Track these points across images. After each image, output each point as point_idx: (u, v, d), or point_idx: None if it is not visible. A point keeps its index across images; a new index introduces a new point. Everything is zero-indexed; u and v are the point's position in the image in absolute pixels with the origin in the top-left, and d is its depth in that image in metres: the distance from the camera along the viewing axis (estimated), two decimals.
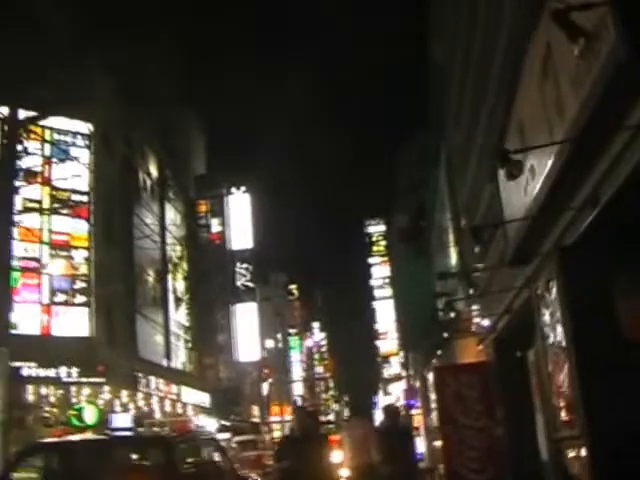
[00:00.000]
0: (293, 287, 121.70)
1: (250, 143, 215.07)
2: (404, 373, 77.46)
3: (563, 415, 9.59)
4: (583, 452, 8.73)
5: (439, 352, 33.15)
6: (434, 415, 18.17)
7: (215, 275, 58.56)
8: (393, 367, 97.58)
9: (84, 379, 35.26)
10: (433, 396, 17.78)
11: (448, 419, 17.06)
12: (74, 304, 36.84)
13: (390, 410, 15.81)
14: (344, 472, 14.01)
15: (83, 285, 37.17)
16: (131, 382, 38.92)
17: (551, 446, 12.27)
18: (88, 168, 38.18)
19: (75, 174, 35.87)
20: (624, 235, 7.89)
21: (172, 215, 52.98)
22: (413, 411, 44.71)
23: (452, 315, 25.51)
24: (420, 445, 26.02)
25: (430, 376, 18.49)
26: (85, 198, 38.10)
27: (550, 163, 7.82)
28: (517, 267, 11.44)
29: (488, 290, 15.47)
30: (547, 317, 9.69)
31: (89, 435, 16.08)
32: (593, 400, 8.38)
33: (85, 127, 38.79)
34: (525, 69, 9.00)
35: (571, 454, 9.42)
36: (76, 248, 37.47)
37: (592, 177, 7.54)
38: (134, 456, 10.74)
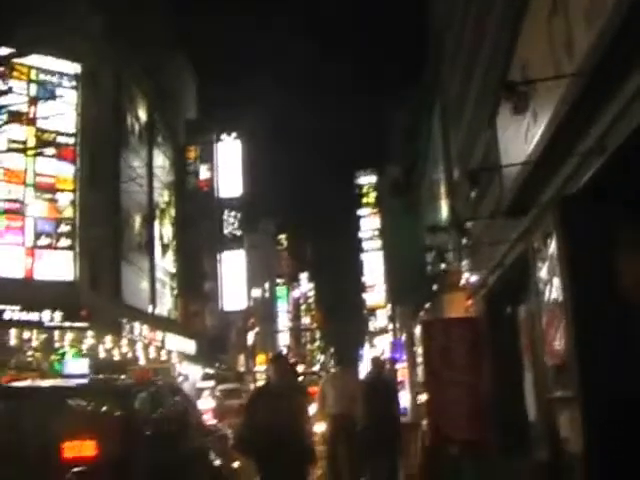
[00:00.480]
0: (282, 237, 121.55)
1: (243, 90, 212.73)
2: (390, 326, 77.36)
3: (556, 375, 9.15)
4: (576, 414, 8.30)
5: (427, 306, 32.86)
6: (419, 370, 17.71)
7: (203, 222, 57.84)
8: (379, 320, 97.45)
9: (67, 323, 34.80)
10: (419, 350, 17.30)
11: (433, 373, 16.63)
12: (58, 248, 36.25)
13: (375, 362, 16.31)
14: (318, 427, 14.11)
15: (67, 229, 36.54)
16: (115, 328, 38.48)
17: (541, 406, 11.86)
18: (75, 110, 37.56)
19: (60, 113, 35.31)
20: (632, 186, 7.39)
21: (160, 160, 52.20)
22: (398, 365, 44.53)
23: (442, 267, 25.15)
24: (404, 399, 26.31)
25: (417, 330, 18.02)
26: (71, 140, 37.40)
27: (555, 104, 7.27)
28: (513, 218, 10.92)
29: (480, 242, 14.97)
30: (543, 272, 9.19)
31: (35, 382, 14.86)
32: (589, 360, 7.92)
33: (72, 67, 37.98)
34: (531, 5, 8.41)
35: (563, 416, 8.98)
36: (61, 191, 36.79)
37: (601, 121, 6.99)
38: (81, 406, 9.54)
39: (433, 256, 31.19)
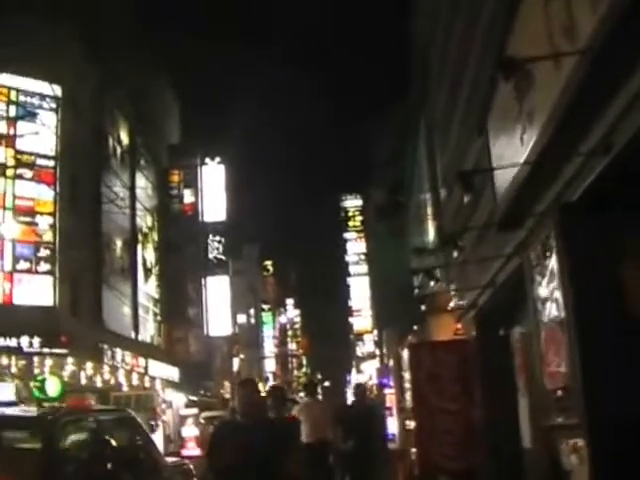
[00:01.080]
0: (268, 263, 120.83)
1: (226, 114, 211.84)
2: (378, 352, 76.71)
3: (556, 400, 8.46)
4: (581, 443, 7.60)
5: (415, 328, 32.15)
6: (408, 395, 17.04)
7: (187, 247, 57.10)
8: (367, 345, 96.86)
9: (46, 350, 33.91)
10: (407, 375, 16.62)
11: (422, 400, 15.95)
12: (37, 272, 35.43)
13: (359, 388, 16.97)
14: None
15: (47, 253, 35.76)
16: (96, 354, 37.60)
17: (538, 434, 11.16)
18: (55, 132, 36.97)
19: (40, 135, 34.92)
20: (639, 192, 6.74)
21: (143, 184, 51.47)
22: (386, 390, 43.91)
23: (431, 285, 24.53)
24: (392, 426, 26.66)
25: (405, 353, 17.33)
26: (51, 163, 36.74)
27: (554, 100, 6.59)
28: (507, 231, 10.18)
29: (470, 260, 14.28)
30: (542, 288, 8.51)
31: None
32: (594, 383, 7.24)
33: (52, 89, 37.36)
34: (520, 13, 7.75)
35: (565, 444, 8.28)
36: (40, 214, 36.00)
37: (605, 117, 6.32)
38: None
39: (420, 278, 30.68)
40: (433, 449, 15.76)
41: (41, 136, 36.08)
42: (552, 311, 8.16)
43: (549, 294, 8.21)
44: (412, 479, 13.71)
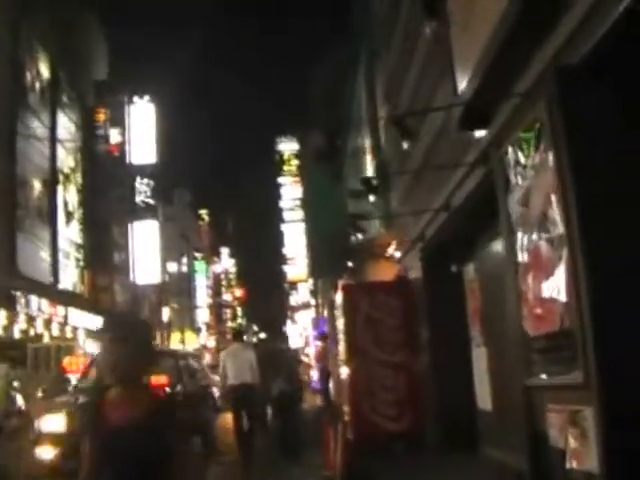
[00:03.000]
0: (203, 212, 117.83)
1: (157, 51, 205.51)
2: (313, 301, 75.03)
3: (541, 351, 6.14)
4: (585, 411, 5.30)
5: (350, 274, 30.26)
6: (341, 346, 14.69)
7: (113, 190, 54.06)
8: (301, 294, 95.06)
9: None
10: (341, 323, 14.25)
11: (358, 350, 13.63)
12: None
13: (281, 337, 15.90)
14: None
15: None
16: (7, 301, 34.83)
17: (502, 395, 8.96)
18: None
19: None
20: None
21: (65, 123, 48.20)
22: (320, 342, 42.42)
23: (363, 231, 22.64)
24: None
25: (338, 297, 14.93)
26: None
27: None
28: (470, 129, 7.80)
29: (419, 179, 11.94)
30: (522, 196, 6.21)
31: None
32: (610, 324, 4.94)
33: None
34: None
35: (554, 412, 5.98)
36: None
37: None
38: None
39: (355, 223, 29.25)
40: (369, 406, 13.49)
41: None
42: (540, 226, 5.80)
43: (536, 203, 5.85)
44: (345, 445, 11.44)
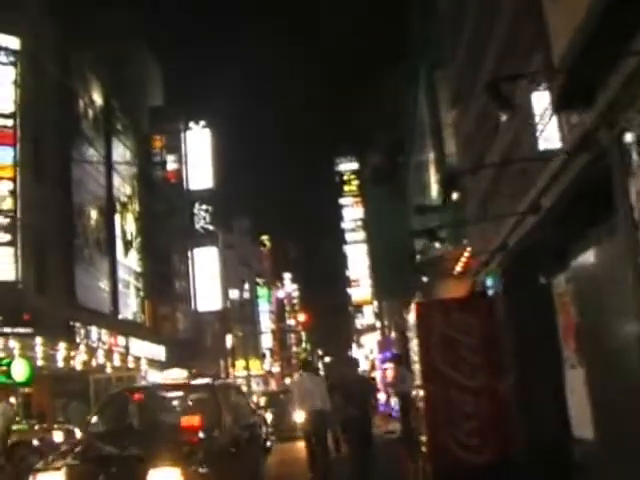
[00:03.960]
0: (265, 238, 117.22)
1: (212, 77, 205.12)
2: (378, 324, 73.81)
3: None
4: None
5: (417, 296, 29.20)
6: (416, 369, 13.42)
7: (171, 217, 53.49)
8: (366, 317, 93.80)
9: (7, 329, 30.55)
10: (414, 344, 12.99)
11: (432, 374, 12.33)
12: None
13: (352, 361, 20.13)
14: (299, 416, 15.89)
15: (7, 222, 32.19)
16: (67, 333, 34.21)
17: (607, 420, 7.68)
18: (13, 87, 33.36)
19: None
20: None
21: (121, 150, 47.77)
22: (388, 364, 41.22)
23: (436, 246, 21.56)
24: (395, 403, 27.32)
25: (411, 317, 13.67)
26: (9, 122, 33.06)
27: None
28: (571, 109, 6.54)
29: (492, 195, 10.68)
30: None
31: None
32: None
33: (10, 41, 33.65)
34: None
35: None
36: None
37: None
38: None
39: (422, 242, 28.43)
40: (448, 436, 12.18)
41: None
42: None
43: None
44: (423, 474, 10.18)
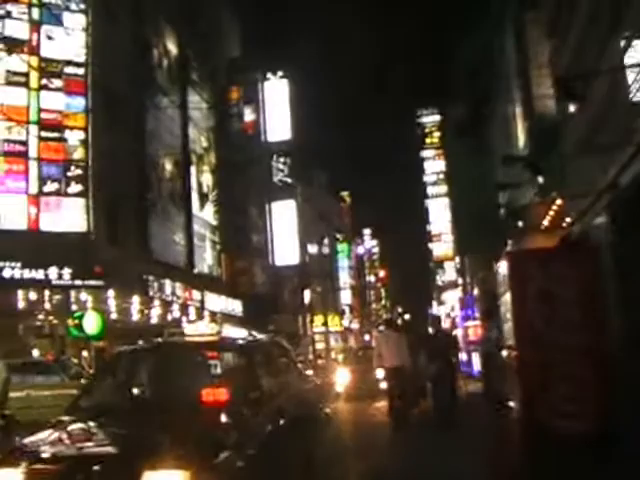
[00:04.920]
0: (345, 194, 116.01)
1: (290, 27, 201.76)
2: (460, 280, 72.41)
3: None
4: None
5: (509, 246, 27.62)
6: (507, 327, 12.01)
7: (249, 169, 52.35)
8: (448, 273, 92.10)
9: (79, 282, 30.04)
10: (506, 297, 11.59)
11: (527, 332, 10.92)
12: (68, 194, 31.31)
13: (435, 319, 20.58)
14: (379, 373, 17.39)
15: (79, 172, 31.53)
16: (140, 286, 33.59)
17: None
18: (84, 36, 32.55)
19: (68, 40, 30.73)
20: None
21: (197, 101, 46.61)
22: (470, 323, 40.10)
23: (525, 198, 20.18)
24: (476, 363, 28.71)
25: (502, 269, 12.23)
26: (81, 71, 32.37)
27: None
28: None
29: (598, 128, 9.18)
30: None
31: None
32: None
33: None
34: None
35: None
36: (70, 129, 31.82)
37: None
38: None
39: (508, 195, 27.05)
40: (544, 403, 10.76)
41: (69, 41, 31.80)
42: None
43: None
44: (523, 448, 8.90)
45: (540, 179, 18.20)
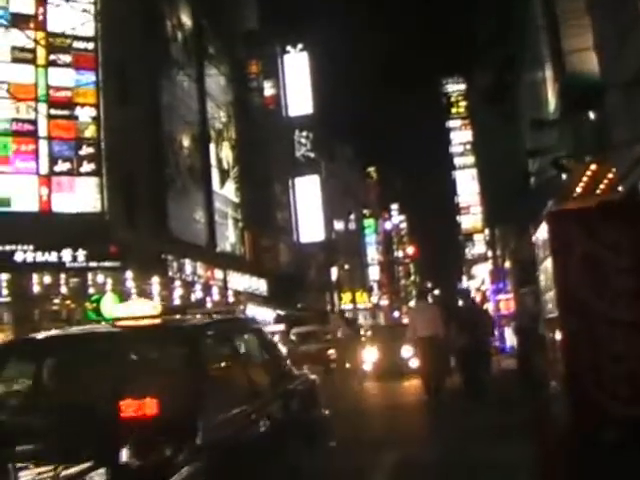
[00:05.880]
0: (371, 170, 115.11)
1: None
2: (490, 253, 71.20)
3: None
4: None
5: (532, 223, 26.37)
6: (549, 297, 10.64)
7: (271, 145, 51.28)
8: (477, 246, 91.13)
9: (94, 263, 29.03)
10: (547, 265, 10.23)
11: (572, 305, 9.55)
12: (80, 173, 30.29)
13: (464, 292, 20.48)
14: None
15: (91, 150, 30.48)
16: (159, 266, 32.54)
17: None
18: (94, 10, 31.30)
19: (76, 13, 29.46)
20: None
21: (214, 75, 45.53)
22: (501, 296, 38.89)
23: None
24: (510, 339, 28.70)
25: (540, 233, 10.87)
26: (91, 45, 31.24)
27: None
28: None
29: None
30: None
31: None
32: None
33: None
34: None
35: None
36: (81, 105, 30.75)
37: None
38: None
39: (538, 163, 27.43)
40: (594, 383, 9.42)
41: (77, 15, 30.63)
42: None
43: None
44: (565, 433, 7.71)
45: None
